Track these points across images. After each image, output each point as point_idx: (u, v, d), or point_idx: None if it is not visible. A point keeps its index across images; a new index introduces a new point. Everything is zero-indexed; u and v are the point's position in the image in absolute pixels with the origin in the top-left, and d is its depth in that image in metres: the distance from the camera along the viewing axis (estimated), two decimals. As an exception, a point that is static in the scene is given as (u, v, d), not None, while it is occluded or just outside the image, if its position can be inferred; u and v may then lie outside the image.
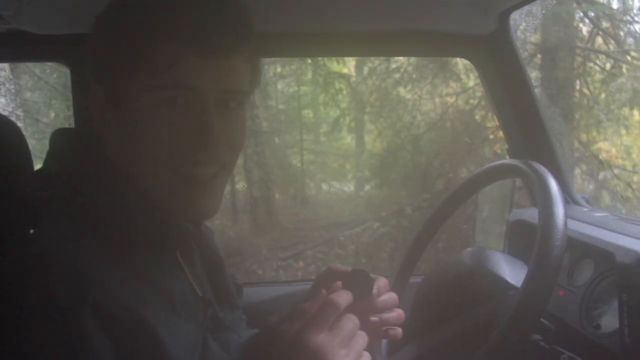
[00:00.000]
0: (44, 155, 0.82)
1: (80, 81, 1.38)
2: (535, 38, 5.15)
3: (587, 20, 5.35)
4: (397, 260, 5.24)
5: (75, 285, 0.66)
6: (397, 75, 5.90)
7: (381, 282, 0.86)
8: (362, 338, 0.71)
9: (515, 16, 1.36)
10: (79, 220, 0.74)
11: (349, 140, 8.08)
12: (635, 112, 5.10)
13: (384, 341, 1.18)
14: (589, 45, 5.31)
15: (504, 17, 1.32)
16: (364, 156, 7.57)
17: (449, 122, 5.69)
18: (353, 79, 6.81)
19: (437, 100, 5.89)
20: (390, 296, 0.86)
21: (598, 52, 5.36)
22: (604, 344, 0.93)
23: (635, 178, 4.98)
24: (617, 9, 5.31)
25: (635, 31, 5.28)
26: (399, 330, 0.87)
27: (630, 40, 5.33)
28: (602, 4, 5.29)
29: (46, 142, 0.84)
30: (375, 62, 6.09)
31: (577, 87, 5.42)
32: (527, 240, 1.18)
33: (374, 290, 0.83)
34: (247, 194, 6.56)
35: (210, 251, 0.97)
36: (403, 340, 0.91)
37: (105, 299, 0.66)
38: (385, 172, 6.06)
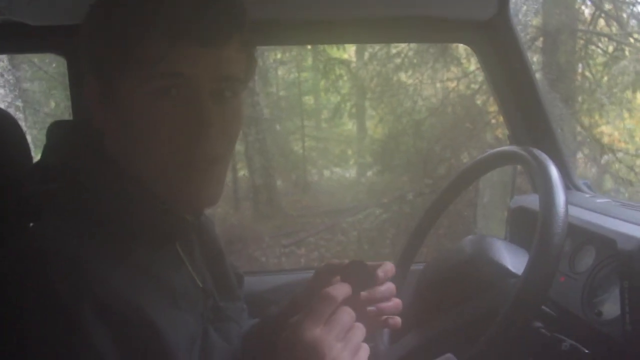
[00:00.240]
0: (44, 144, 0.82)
1: (77, 72, 1.37)
2: (536, 21, 5.11)
3: (589, 2, 5.30)
4: (399, 246, 5.26)
5: (75, 280, 0.66)
6: (398, 61, 5.87)
7: (387, 266, 0.86)
8: (359, 330, 0.71)
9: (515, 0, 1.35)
10: (78, 214, 0.73)
11: (350, 126, 8.08)
12: (638, 95, 5.07)
13: (386, 330, 1.18)
14: (591, 28, 5.27)
15: (504, 2, 1.30)
16: (365, 142, 7.57)
17: (450, 107, 5.67)
18: (353, 64, 6.80)
19: (438, 85, 5.86)
20: (388, 286, 0.86)
21: (600, 34, 5.32)
22: (605, 331, 0.93)
23: (638, 162, 4.96)
24: (620, -9, 5.26)
25: (639, 13, 5.25)
26: (397, 320, 0.87)
27: (633, 22, 5.29)
28: (605, -14, 5.25)
29: (47, 129, 0.84)
30: (375, 48, 6.07)
31: (579, 70, 5.39)
32: (529, 227, 1.18)
33: (380, 274, 0.83)
34: (249, 181, 6.57)
35: (211, 242, 0.97)
36: (404, 328, 0.91)
37: (105, 293, 0.66)
38: (387, 157, 6.05)
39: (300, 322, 0.67)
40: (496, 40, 1.38)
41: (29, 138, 0.97)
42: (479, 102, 5.53)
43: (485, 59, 1.44)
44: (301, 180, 7.21)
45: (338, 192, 7.22)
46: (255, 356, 0.87)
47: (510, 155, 1.10)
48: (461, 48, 5.36)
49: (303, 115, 7.65)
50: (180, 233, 0.83)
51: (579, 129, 5.07)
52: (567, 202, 0.88)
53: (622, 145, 5.15)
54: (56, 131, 0.84)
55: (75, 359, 0.64)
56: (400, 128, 5.93)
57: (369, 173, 6.94)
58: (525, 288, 0.83)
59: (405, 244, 1.25)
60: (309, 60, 7.20)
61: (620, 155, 4.93)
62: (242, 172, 6.63)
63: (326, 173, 7.79)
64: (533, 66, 1.45)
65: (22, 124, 0.99)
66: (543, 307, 0.95)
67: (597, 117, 5.24)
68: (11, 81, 4.56)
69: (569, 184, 1.42)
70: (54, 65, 5.26)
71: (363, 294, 0.82)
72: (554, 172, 0.91)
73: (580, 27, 5.30)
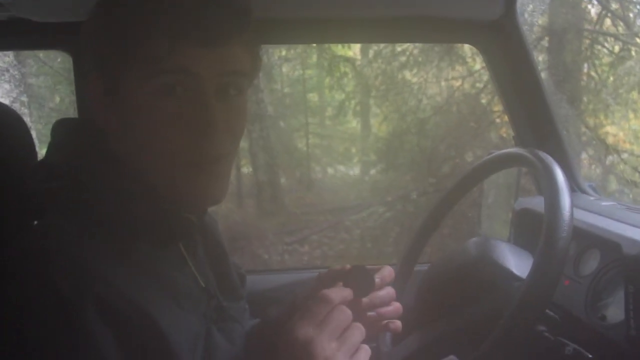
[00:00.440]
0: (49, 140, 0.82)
1: (83, 69, 1.37)
2: (542, 20, 5.08)
3: (595, 2, 5.27)
4: (402, 245, 5.25)
5: (78, 279, 0.66)
6: (403, 59, 5.85)
7: (385, 271, 0.86)
8: (357, 330, 0.70)
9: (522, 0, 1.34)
10: (82, 213, 0.73)
11: (354, 123, 8.05)
12: (644, 96, 5.04)
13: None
14: (597, 28, 5.24)
15: (510, 2, 1.30)
16: (369, 140, 7.54)
17: (455, 105, 5.65)
18: (358, 62, 6.77)
19: (443, 83, 5.84)
20: (388, 291, 0.86)
21: (606, 34, 5.29)
22: (609, 335, 0.92)
23: (643, 162, 4.94)
24: (627, -10, 5.23)
25: (646, 13, 5.22)
26: (398, 324, 0.87)
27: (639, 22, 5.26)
28: (611, -15, 5.22)
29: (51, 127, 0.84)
30: (380, 46, 6.04)
31: (585, 70, 5.36)
32: (533, 229, 1.18)
33: (377, 280, 0.83)
34: (253, 178, 6.56)
35: (214, 241, 0.97)
36: (407, 329, 0.91)
37: (108, 292, 0.66)
38: (391, 156, 6.04)
39: (295, 322, 0.67)
40: (503, 41, 1.38)
41: (33, 133, 0.97)
42: (483, 101, 5.50)
43: (492, 59, 1.43)
44: (305, 178, 7.19)
45: (342, 189, 7.20)
46: (257, 357, 0.87)
47: (516, 158, 1.09)
48: (466, 47, 5.34)
49: (307, 112, 7.63)
50: (184, 233, 0.83)
51: (583, 129, 5.05)
52: (573, 206, 0.87)
53: (627, 146, 5.13)
54: (60, 129, 0.84)
55: (77, 358, 0.64)
56: (405, 126, 5.91)
57: (373, 171, 6.92)
58: (530, 291, 0.83)
59: (409, 244, 1.25)
60: (314, 58, 7.17)
61: (625, 156, 4.90)
62: (246, 169, 6.62)
63: (330, 171, 7.76)
64: (538, 65, 1.44)
65: (27, 119, 0.99)
66: (547, 310, 0.95)
67: (602, 117, 5.21)
68: (16, 76, 4.56)
69: (574, 186, 1.42)
70: (59, 60, 5.26)
71: (364, 299, 0.82)
72: (559, 175, 0.91)
73: (587, 26, 5.27)
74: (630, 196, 4.58)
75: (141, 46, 0.71)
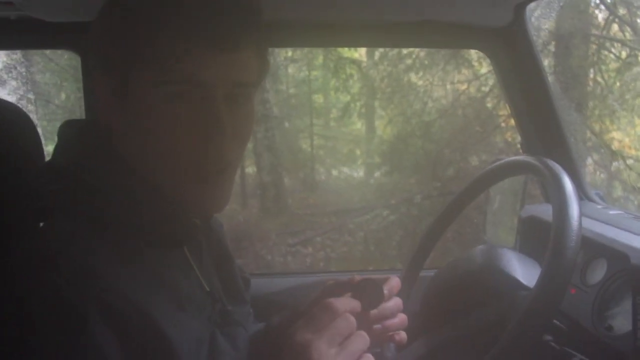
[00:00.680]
0: (55, 138, 0.82)
1: (91, 69, 1.37)
2: (549, 25, 5.07)
3: (602, 7, 5.26)
4: (406, 248, 5.24)
5: (82, 281, 0.65)
6: (409, 62, 5.85)
7: (393, 282, 0.86)
8: (360, 338, 0.69)
9: (531, 5, 1.33)
10: (87, 215, 0.73)
11: (359, 125, 8.04)
12: (650, 102, 5.03)
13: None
14: (604, 33, 5.23)
15: (520, 8, 1.29)
16: (374, 142, 7.53)
17: (461, 109, 5.64)
18: (364, 64, 6.77)
19: (448, 87, 5.84)
20: (395, 302, 0.86)
21: (613, 40, 5.27)
22: (615, 346, 0.92)
23: (648, 169, 4.92)
24: (635, -4, 5.21)
25: (653, 19, 5.19)
26: (403, 335, 0.87)
27: (647, 28, 5.24)
28: (619, -10, 5.20)
29: (57, 124, 0.84)
30: (386, 48, 6.04)
31: (591, 75, 5.34)
32: (540, 237, 1.17)
33: (385, 292, 0.82)
34: (257, 178, 6.56)
35: (219, 245, 0.97)
36: (412, 335, 0.90)
37: (112, 295, 0.66)
38: (396, 158, 6.04)
39: (297, 327, 0.67)
40: (511, 48, 1.37)
41: (39, 130, 0.97)
42: (489, 105, 5.50)
43: (500, 65, 1.42)
44: (309, 179, 7.19)
45: (346, 191, 7.20)
46: None
47: (523, 165, 1.09)
48: (473, 51, 5.34)
49: (312, 113, 7.63)
50: (189, 236, 0.82)
51: (589, 134, 5.04)
52: (581, 215, 0.87)
53: (633, 152, 5.11)
54: (67, 131, 0.83)
55: None
56: (410, 129, 5.91)
57: (377, 174, 6.91)
58: (538, 300, 0.82)
59: (415, 249, 1.25)
60: (320, 59, 7.17)
61: (630, 162, 4.89)
62: (250, 169, 6.62)
63: (334, 172, 7.76)
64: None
65: (33, 116, 0.99)
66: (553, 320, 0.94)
67: (607, 122, 5.20)
68: (23, 73, 4.58)
69: (582, 195, 1.41)
70: (65, 57, 5.28)
71: (373, 312, 0.81)
72: (568, 184, 0.90)
73: (594, 31, 5.26)
74: (635, 203, 4.56)
75: (149, 47, 0.71)
